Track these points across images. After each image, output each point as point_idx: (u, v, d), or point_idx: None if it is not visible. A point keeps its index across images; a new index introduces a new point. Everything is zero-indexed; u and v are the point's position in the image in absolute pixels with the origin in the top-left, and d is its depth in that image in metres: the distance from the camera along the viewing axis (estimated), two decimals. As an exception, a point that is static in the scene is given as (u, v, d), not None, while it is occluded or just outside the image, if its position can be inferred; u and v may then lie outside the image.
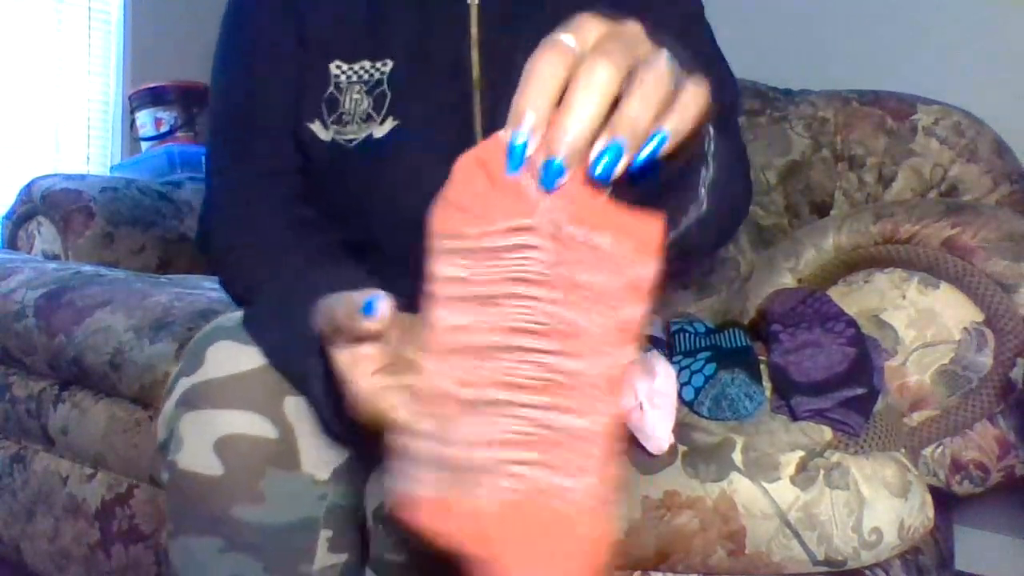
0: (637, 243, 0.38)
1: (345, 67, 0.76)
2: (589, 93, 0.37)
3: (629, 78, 0.37)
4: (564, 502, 0.38)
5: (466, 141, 0.70)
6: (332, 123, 0.76)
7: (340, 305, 0.48)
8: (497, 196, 0.39)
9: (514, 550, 0.38)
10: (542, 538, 0.38)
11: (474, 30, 0.76)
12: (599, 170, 0.37)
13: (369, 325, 0.47)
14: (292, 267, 0.70)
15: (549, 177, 0.37)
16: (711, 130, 0.57)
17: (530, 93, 0.37)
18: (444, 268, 0.40)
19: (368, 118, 0.75)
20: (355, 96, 0.75)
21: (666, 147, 0.39)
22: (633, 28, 0.40)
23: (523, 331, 0.39)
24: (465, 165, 0.40)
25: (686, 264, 0.75)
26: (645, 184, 0.46)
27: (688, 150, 0.48)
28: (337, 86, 0.76)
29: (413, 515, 0.40)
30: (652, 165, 0.40)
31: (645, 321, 0.40)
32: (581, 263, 0.39)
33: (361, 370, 0.49)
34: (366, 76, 0.76)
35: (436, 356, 0.40)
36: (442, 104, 0.74)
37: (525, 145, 0.38)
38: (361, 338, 0.48)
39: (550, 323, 0.39)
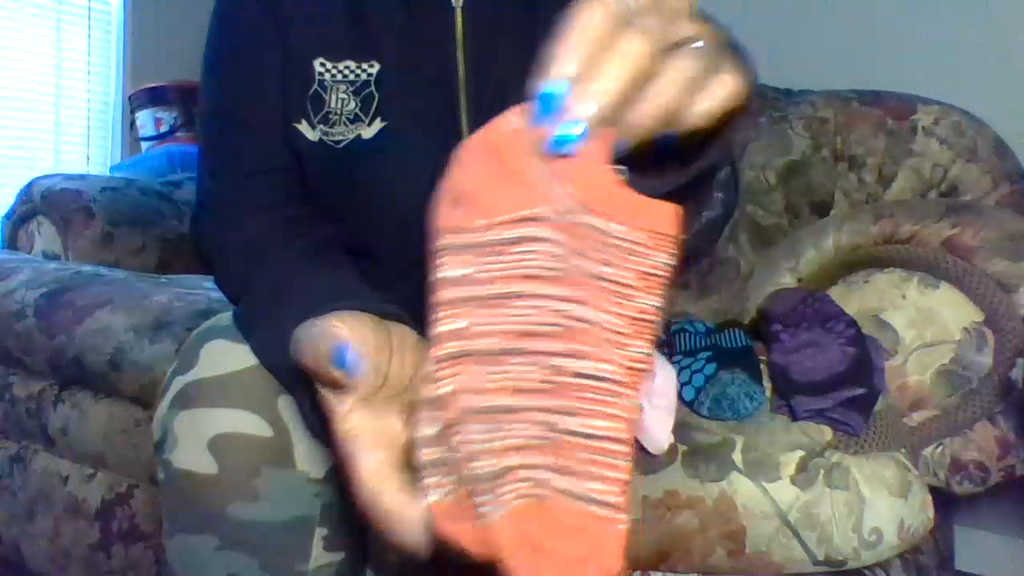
0: (652, 230, 0.36)
1: (329, 65, 0.76)
2: (619, 64, 0.35)
3: (662, 59, 0.36)
4: (578, 506, 0.37)
5: (453, 143, 0.71)
6: (319, 123, 0.76)
7: (309, 351, 0.45)
8: (504, 183, 0.37)
9: (526, 555, 0.37)
10: (555, 542, 0.37)
11: (459, 33, 0.76)
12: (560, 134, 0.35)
13: (341, 378, 0.44)
14: (277, 269, 0.70)
15: (566, 140, 0.35)
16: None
17: (572, 42, 0.36)
18: (445, 267, 0.38)
19: (356, 119, 0.75)
20: (341, 96, 0.76)
21: (685, 130, 0.37)
22: (680, 1, 0.38)
23: (531, 334, 0.37)
24: (470, 150, 0.38)
25: (685, 267, 0.74)
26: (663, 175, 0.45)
27: (715, 144, 0.46)
28: (321, 84, 0.76)
29: (430, 521, 0.39)
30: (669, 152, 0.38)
31: (660, 313, 0.38)
32: (592, 254, 0.36)
33: (343, 410, 0.46)
34: (352, 76, 0.76)
35: (439, 363, 0.38)
36: (429, 106, 0.75)
37: (563, 92, 0.35)
38: (335, 384, 0.45)
39: (560, 323, 0.37)
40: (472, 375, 0.38)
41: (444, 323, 0.38)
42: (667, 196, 0.45)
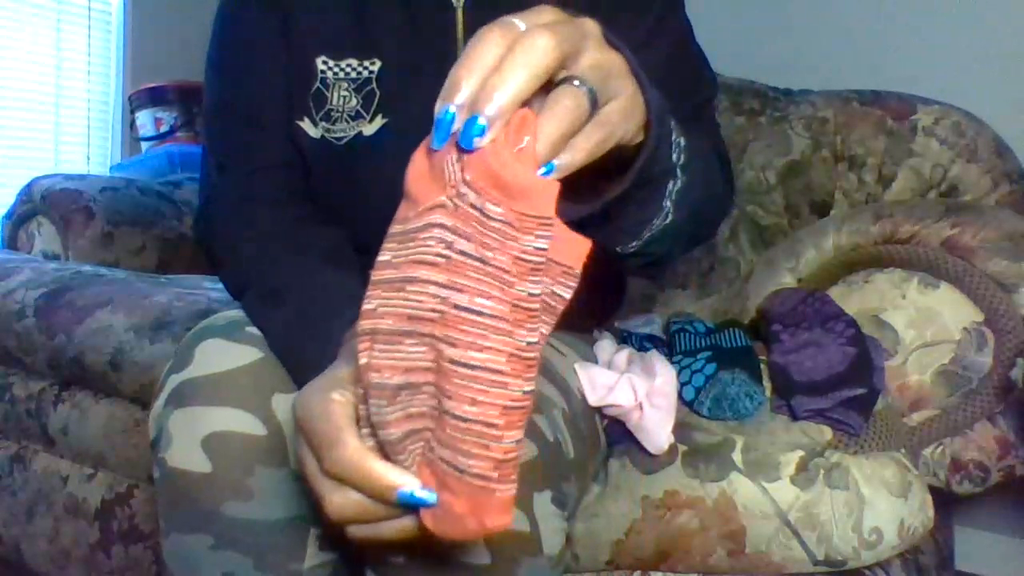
0: (522, 212, 0.37)
1: (332, 63, 0.76)
2: (522, 60, 0.36)
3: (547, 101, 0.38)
4: (455, 474, 0.40)
5: None
6: (321, 120, 0.76)
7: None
8: (428, 176, 0.39)
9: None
10: (443, 497, 0.40)
11: (459, 33, 0.76)
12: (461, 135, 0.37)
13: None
14: (288, 268, 0.70)
15: (467, 136, 0.37)
16: (681, 142, 0.57)
17: (466, 68, 0.37)
18: (381, 252, 0.41)
19: (357, 116, 0.76)
20: (343, 93, 0.76)
21: (555, 175, 0.39)
22: (588, 25, 0.40)
23: (417, 319, 0.39)
24: (416, 151, 0.41)
25: (657, 268, 0.75)
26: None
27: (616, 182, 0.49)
28: (324, 82, 0.76)
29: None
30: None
31: (539, 300, 0.39)
32: (477, 238, 0.38)
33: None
34: (353, 74, 0.76)
35: (358, 338, 0.42)
36: (430, 104, 0.75)
37: (453, 118, 0.37)
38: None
39: (439, 309, 0.38)
40: (374, 352, 0.41)
41: (364, 302, 0.41)
42: (605, 209, 0.49)
